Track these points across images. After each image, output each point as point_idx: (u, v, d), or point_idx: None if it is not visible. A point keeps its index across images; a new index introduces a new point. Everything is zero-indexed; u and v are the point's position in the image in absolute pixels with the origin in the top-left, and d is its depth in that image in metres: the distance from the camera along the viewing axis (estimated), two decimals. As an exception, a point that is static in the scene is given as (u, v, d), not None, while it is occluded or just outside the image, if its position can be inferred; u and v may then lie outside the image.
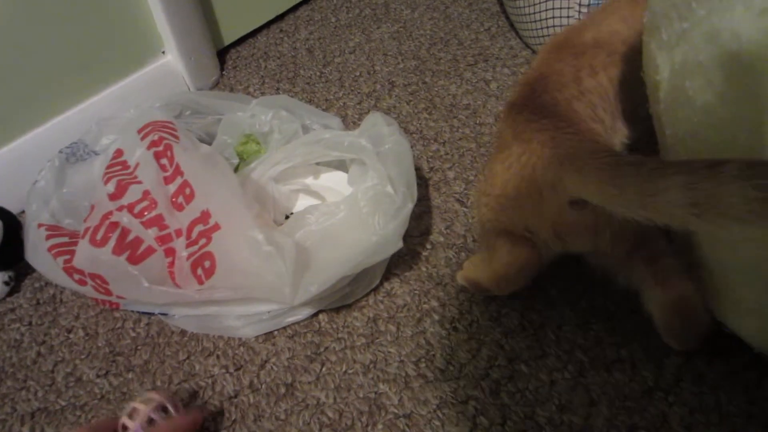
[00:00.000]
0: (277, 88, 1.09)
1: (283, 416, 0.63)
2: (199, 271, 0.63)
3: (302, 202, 0.82)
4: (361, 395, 0.64)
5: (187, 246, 0.64)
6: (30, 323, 0.75)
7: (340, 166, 0.83)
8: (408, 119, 0.98)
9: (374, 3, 1.26)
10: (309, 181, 0.81)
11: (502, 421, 0.60)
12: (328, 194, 0.81)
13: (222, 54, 1.18)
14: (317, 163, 0.83)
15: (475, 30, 1.15)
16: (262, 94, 1.08)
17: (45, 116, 0.92)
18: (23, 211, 0.82)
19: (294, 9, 1.27)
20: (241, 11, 1.19)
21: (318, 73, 1.11)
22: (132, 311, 0.74)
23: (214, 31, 1.15)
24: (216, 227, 0.63)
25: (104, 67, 0.97)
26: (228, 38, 1.20)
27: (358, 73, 1.09)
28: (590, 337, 0.66)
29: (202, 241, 0.63)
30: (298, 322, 0.71)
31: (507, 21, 1.16)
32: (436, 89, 1.03)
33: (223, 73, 1.15)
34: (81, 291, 0.70)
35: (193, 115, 0.89)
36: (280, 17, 1.26)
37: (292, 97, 1.01)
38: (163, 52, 1.05)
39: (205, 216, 0.64)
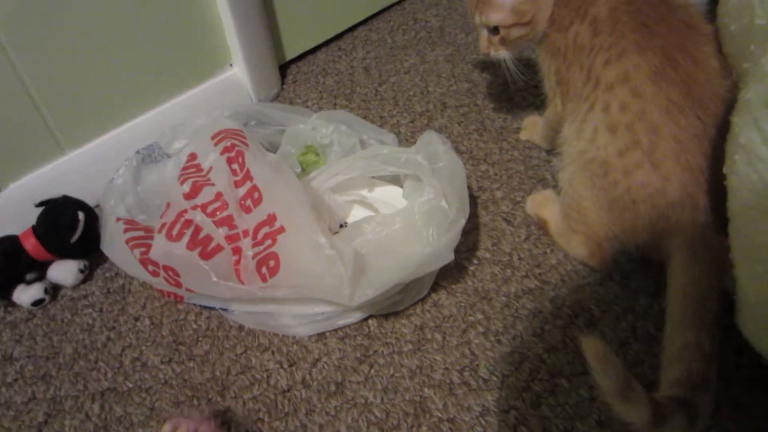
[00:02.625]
0: (334, 104, 1.15)
1: (333, 412, 0.67)
2: (264, 270, 0.68)
3: (356, 213, 0.86)
4: (407, 398, 0.67)
5: (253, 246, 0.69)
6: (101, 309, 0.81)
7: (394, 180, 0.87)
8: (459, 139, 1.02)
9: (430, 26, 1.31)
10: (364, 193, 0.86)
11: (542, 432, 0.63)
12: (382, 207, 0.85)
13: (283, 68, 1.25)
14: (372, 177, 0.87)
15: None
16: (320, 108, 1.13)
17: (121, 119, 0.99)
18: (97, 205, 0.89)
19: (352, 29, 1.33)
20: (303, 29, 1.25)
21: (373, 91, 1.15)
22: (194, 305, 0.80)
23: (277, 46, 1.21)
24: (281, 230, 0.68)
25: (177, 77, 1.04)
26: (289, 53, 1.26)
27: (411, 93, 1.14)
28: (630, 357, 0.68)
29: (268, 242, 0.68)
30: (349, 325, 0.75)
31: (559, 49, 1.19)
32: (487, 111, 1.07)
33: (284, 86, 1.21)
34: (152, 282, 0.76)
35: (257, 125, 0.95)
36: (339, 36, 1.32)
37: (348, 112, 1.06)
38: (231, 65, 1.12)
39: (271, 219, 0.69)
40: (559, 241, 0.82)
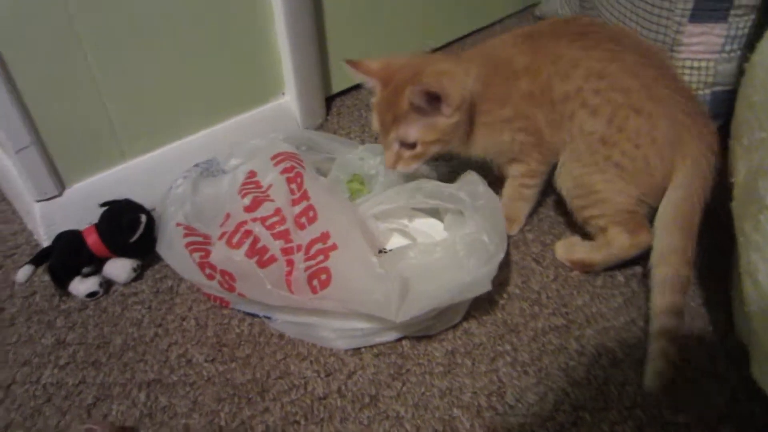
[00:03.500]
0: (375, 138, 1.21)
1: (366, 422, 0.71)
2: (315, 282, 0.73)
3: (396, 241, 0.91)
4: (437, 415, 0.71)
5: (305, 260, 0.75)
6: (150, 307, 0.87)
7: (433, 213, 0.93)
8: (493, 182, 1.07)
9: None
10: (405, 222, 0.91)
11: (564, 459, 0.67)
12: (420, 237, 0.90)
13: (328, 100, 1.32)
14: (413, 208, 0.93)
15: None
16: (363, 140, 1.20)
17: (180, 134, 1.06)
18: (153, 209, 0.95)
19: (396, 70, 1.41)
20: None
21: (414, 130, 1.22)
22: (239, 310, 0.85)
23: (325, 80, 1.29)
24: (333, 247, 0.74)
25: (235, 100, 1.12)
26: (336, 87, 1.34)
27: (450, 135, 1.20)
28: (650, 398, 0.72)
29: (320, 257, 0.74)
30: (384, 343, 0.79)
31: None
32: (521, 158, 1.13)
33: (328, 117, 1.29)
34: (205, 285, 0.81)
35: (307, 150, 1.01)
36: (382, 76, 1.40)
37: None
38: (283, 93, 1.20)
39: (324, 236, 0.75)
40: (605, 257, 0.86)
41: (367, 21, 1.29)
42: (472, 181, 0.86)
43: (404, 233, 0.92)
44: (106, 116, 0.96)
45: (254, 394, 0.75)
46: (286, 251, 0.76)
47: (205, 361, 0.79)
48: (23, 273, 0.85)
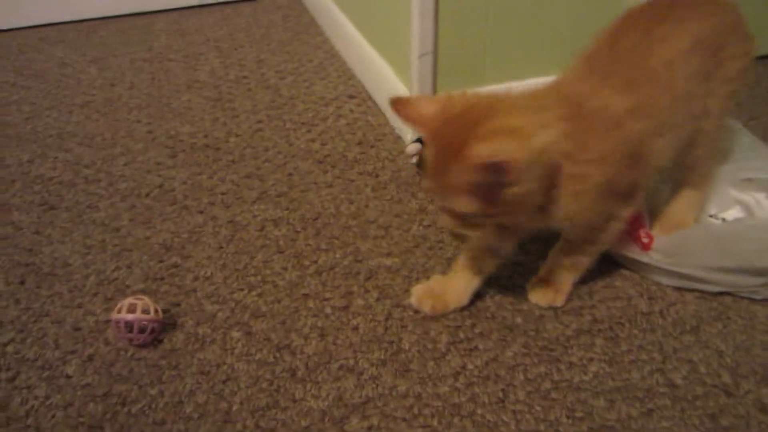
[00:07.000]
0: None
1: (687, 344, 0.80)
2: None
3: (732, 213, 0.96)
4: (758, 362, 0.77)
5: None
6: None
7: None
8: None
9: None
10: (760, 196, 0.95)
11: None
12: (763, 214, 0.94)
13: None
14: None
15: None
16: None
17: (525, 75, 1.22)
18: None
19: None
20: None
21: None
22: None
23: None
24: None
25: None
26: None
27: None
28: None
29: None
30: (705, 291, 0.86)
31: None
32: None
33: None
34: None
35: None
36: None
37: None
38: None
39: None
40: None
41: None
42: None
43: (748, 207, 0.95)
44: (483, 46, 1.15)
45: (584, 293, 0.87)
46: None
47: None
48: (413, 147, 1.07)
